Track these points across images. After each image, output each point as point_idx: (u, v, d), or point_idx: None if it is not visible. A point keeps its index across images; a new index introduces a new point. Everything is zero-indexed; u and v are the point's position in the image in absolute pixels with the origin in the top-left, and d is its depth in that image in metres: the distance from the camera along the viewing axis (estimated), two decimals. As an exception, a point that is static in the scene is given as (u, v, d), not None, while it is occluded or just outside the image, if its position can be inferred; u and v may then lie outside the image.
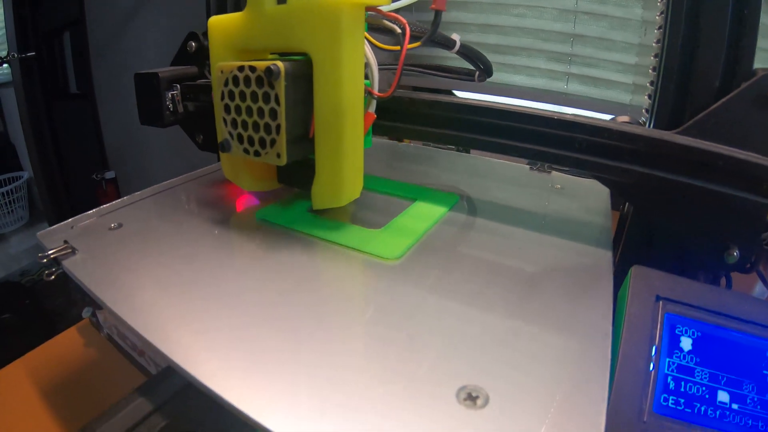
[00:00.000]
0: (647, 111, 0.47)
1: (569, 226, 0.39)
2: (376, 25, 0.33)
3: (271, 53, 0.37)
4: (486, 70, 0.47)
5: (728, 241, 0.35)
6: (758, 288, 0.67)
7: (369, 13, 0.32)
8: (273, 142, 0.32)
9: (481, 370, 0.23)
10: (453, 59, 0.89)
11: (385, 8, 0.33)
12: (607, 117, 0.84)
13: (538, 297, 0.30)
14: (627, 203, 0.48)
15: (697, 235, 0.36)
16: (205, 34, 0.59)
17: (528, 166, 0.55)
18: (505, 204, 0.44)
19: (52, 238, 0.36)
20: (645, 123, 0.47)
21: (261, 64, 0.30)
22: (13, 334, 1.32)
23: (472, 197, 0.45)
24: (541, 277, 0.32)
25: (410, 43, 0.34)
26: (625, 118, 0.44)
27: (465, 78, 0.50)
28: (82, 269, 0.32)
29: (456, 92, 0.98)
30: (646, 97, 0.48)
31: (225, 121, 0.34)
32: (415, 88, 1.00)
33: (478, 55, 0.45)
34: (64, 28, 1.50)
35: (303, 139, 0.33)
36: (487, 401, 0.21)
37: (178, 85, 0.55)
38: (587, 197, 0.46)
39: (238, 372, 0.23)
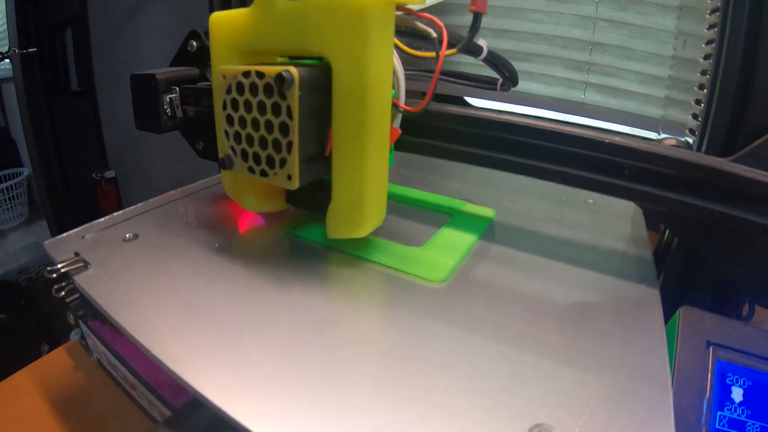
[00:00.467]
0: (691, 131, 0.43)
1: (608, 259, 0.35)
2: (404, 28, 0.28)
3: (281, 57, 0.33)
4: (512, 78, 0.43)
5: None
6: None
7: (399, 13, 0.27)
8: (283, 162, 0.27)
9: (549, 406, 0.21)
10: (467, 64, 0.85)
11: (415, 8, 0.28)
12: (625, 129, 0.80)
13: (589, 339, 0.25)
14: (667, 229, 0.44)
15: (746, 271, 0.33)
16: (208, 33, 0.55)
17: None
18: (538, 223, 0.40)
19: (62, 248, 0.33)
20: (690, 145, 0.43)
21: (270, 70, 0.25)
22: (7, 335, 1.27)
23: (504, 213, 0.41)
24: (589, 314, 0.27)
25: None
26: (671, 141, 0.40)
27: (486, 87, 0.45)
28: (96, 286, 0.28)
29: (468, 99, 0.93)
30: (690, 116, 0.44)
31: (227, 134, 0.30)
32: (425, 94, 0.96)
33: (505, 63, 0.40)
34: (66, 24, 1.47)
35: (318, 158, 0.28)
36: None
37: (177, 88, 0.51)
38: (622, 217, 0.42)
39: (274, 409, 0.20)
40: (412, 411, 0.20)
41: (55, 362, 0.45)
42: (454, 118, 0.32)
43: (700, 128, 0.40)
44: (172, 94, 0.50)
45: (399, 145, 0.33)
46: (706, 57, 0.41)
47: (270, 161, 0.28)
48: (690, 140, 0.43)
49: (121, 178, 1.53)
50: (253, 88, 0.27)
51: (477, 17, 0.27)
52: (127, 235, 0.35)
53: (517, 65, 0.87)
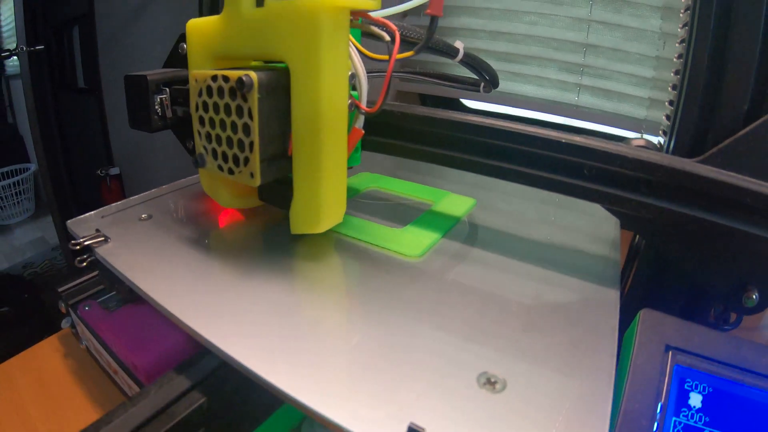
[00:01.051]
0: (664, 132, 0.43)
1: (574, 256, 0.36)
2: (368, 32, 0.30)
3: (255, 61, 0.34)
4: (492, 81, 0.44)
5: (748, 283, 0.31)
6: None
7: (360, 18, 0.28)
8: (246, 161, 0.28)
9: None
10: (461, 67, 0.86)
11: (378, 13, 0.30)
12: (620, 132, 0.80)
13: (541, 332, 0.27)
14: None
15: (714, 275, 0.33)
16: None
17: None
18: (514, 215, 0.43)
19: (83, 226, 0.37)
20: (661, 146, 0.43)
21: (233, 74, 0.27)
22: (10, 328, 1.30)
23: (483, 204, 0.44)
24: (543, 309, 0.29)
25: (406, 51, 0.30)
26: (640, 142, 0.40)
27: (470, 88, 0.47)
28: (116, 257, 0.33)
29: (464, 101, 0.94)
30: (663, 117, 0.44)
31: (200, 134, 0.31)
32: (422, 96, 0.96)
33: (483, 66, 0.41)
34: (73, 22, 1.49)
35: (281, 157, 0.29)
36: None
37: (168, 89, 0.52)
38: (595, 215, 0.43)
39: (272, 354, 0.23)
40: (384, 356, 0.24)
41: (47, 349, 0.47)
42: (418, 119, 0.33)
43: (669, 129, 0.40)
44: (162, 94, 0.52)
45: (367, 145, 0.35)
46: (679, 56, 0.40)
47: (235, 160, 0.29)
48: (661, 141, 0.43)
49: (126, 175, 1.55)
50: (220, 91, 0.28)
51: (433, 20, 0.28)
52: (143, 215, 0.39)
53: (512, 67, 0.88)
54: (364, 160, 0.36)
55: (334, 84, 0.27)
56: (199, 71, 0.30)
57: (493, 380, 0.22)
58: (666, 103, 0.44)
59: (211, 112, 0.29)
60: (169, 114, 0.54)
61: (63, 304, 0.41)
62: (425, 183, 0.48)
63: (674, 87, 0.41)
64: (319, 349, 0.24)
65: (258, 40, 0.29)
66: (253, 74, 0.26)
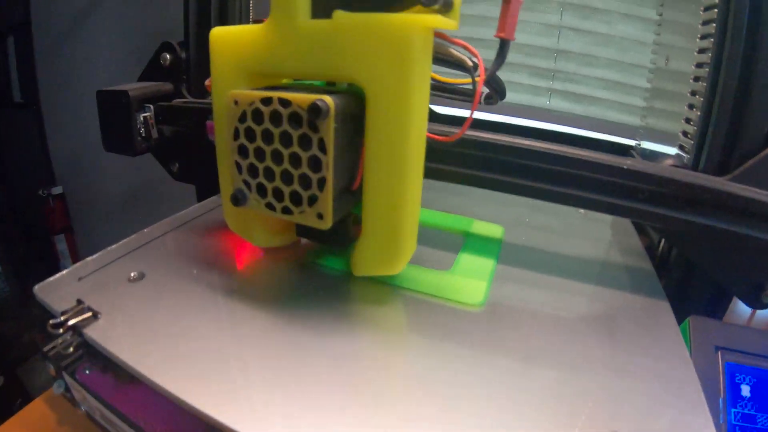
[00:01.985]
0: (681, 147, 0.45)
1: (613, 272, 0.36)
2: (440, 55, 0.26)
3: (289, 80, 0.29)
4: (499, 91, 0.41)
5: (766, 282, 0.35)
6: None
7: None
8: (313, 199, 0.24)
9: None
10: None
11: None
12: (588, 133, 0.82)
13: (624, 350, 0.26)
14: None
15: (738, 277, 0.36)
16: (182, 44, 0.50)
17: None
18: (541, 237, 0.41)
19: (58, 294, 0.28)
20: (688, 163, 0.43)
21: (299, 98, 0.22)
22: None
23: (509, 229, 0.41)
24: (616, 327, 0.28)
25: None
26: (670, 161, 0.42)
27: (463, 99, 0.44)
28: (114, 341, 0.24)
29: (434, 108, 0.92)
30: (680, 133, 0.45)
31: (239, 166, 0.26)
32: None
33: (494, 77, 0.39)
34: (8, 32, 1.36)
35: (346, 192, 0.25)
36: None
37: (152, 106, 0.46)
38: (612, 225, 0.45)
39: None
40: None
41: (35, 414, 0.40)
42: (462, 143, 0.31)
43: (694, 147, 0.41)
44: (146, 112, 0.46)
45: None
46: (697, 79, 0.42)
47: (295, 198, 0.24)
48: (684, 157, 0.44)
49: (70, 194, 1.44)
50: (275, 116, 0.24)
51: (505, 44, 0.25)
52: (132, 275, 0.30)
53: None
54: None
55: (421, 112, 0.23)
56: (240, 91, 0.25)
57: None
58: (683, 121, 0.45)
59: (259, 141, 0.25)
60: (154, 134, 0.48)
61: (52, 367, 0.34)
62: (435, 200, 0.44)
63: (690, 106, 0.43)
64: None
65: (318, 57, 0.24)
66: (329, 99, 0.21)
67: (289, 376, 0.22)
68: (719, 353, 0.32)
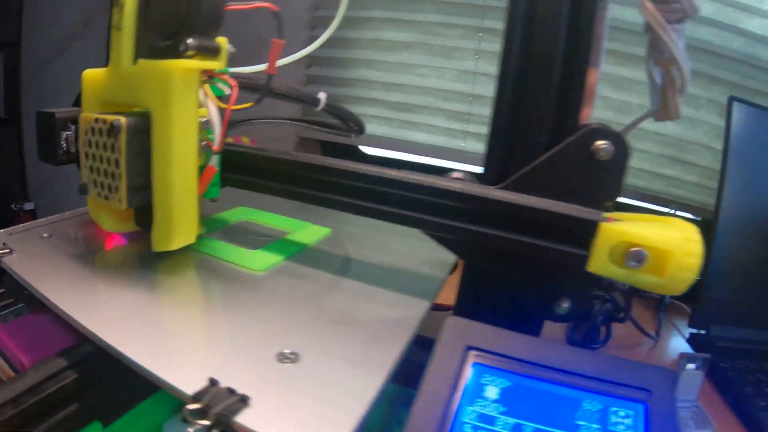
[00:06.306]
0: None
1: (403, 277, 0.47)
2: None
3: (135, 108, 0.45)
4: (357, 127, 0.55)
5: (558, 293, 0.40)
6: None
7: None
8: (116, 189, 0.38)
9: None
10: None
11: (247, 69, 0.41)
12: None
13: (346, 327, 0.37)
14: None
15: (527, 287, 0.41)
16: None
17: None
18: (361, 242, 0.54)
19: None
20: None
21: (108, 118, 0.37)
22: None
23: (337, 233, 0.55)
24: (356, 312, 0.39)
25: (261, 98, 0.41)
26: (459, 175, 0.49)
27: (343, 133, 0.58)
28: (20, 266, 0.41)
29: (363, 148, 1.09)
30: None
31: (86, 166, 0.41)
32: (323, 143, 1.10)
33: (347, 114, 0.53)
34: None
35: (146, 188, 0.39)
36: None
37: (74, 126, 0.62)
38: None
39: (143, 337, 0.33)
40: (212, 337, 0.34)
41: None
42: (262, 158, 0.44)
43: (484, 161, 0.46)
44: (68, 131, 0.61)
45: (228, 182, 0.45)
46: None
47: (110, 188, 0.39)
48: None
49: (40, 210, 1.59)
50: (100, 131, 0.38)
51: (270, 77, 0.40)
52: (45, 234, 0.48)
53: (405, 116, 1.03)
54: (263, 199, 0.48)
55: (184, 129, 0.38)
56: (86, 114, 0.40)
57: (289, 353, 0.32)
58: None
59: (93, 148, 0.39)
60: (73, 149, 0.63)
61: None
62: (308, 219, 0.58)
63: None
64: (167, 330, 0.34)
65: (132, 91, 0.39)
66: (122, 119, 0.36)
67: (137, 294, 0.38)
68: (470, 353, 0.34)
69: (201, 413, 0.25)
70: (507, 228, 0.37)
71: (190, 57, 0.37)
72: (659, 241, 0.32)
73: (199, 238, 0.44)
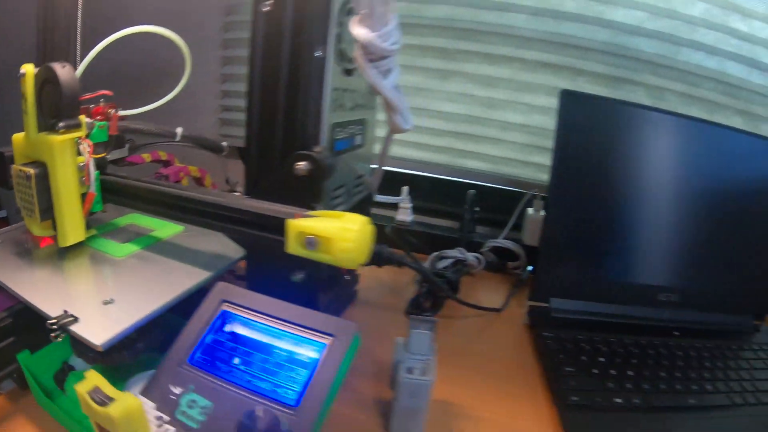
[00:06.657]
0: None
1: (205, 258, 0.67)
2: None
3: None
4: (218, 148, 0.80)
5: (296, 267, 0.63)
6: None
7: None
8: (33, 210, 0.63)
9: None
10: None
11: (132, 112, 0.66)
12: None
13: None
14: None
15: (277, 263, 0.62)
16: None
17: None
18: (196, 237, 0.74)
19: None
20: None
21: (24, 169, 0.62)
22: None
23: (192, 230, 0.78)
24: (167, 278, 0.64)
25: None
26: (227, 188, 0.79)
27: (212, 151, 0.83)
28: None
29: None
30: None
31: (17, 196, 0.66)
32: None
33: (202, 140, 0.78)
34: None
35: (51, 209, 0.64)
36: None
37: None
38: None
39: (44, 294, 0.55)
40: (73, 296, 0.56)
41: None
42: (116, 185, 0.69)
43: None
44: (16, 164, 0.87)
45: (108, 200, 0.70)
46: None
47: (30, 210, 0.64)
48: None
49: (12, 218, 1.77)
50: (21, 176, 0.64)
51: (116, 138, 0.65)
52: None
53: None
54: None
55: (66, 174, 0.62)
56: (15, 165, 0.65)
57: (109, 299, 0.52)
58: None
59: (20, 186, 0.65)
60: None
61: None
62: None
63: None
64: (58, 289, 0.58)
65: (36, 151, 0.64)
66: (32, 170, 0.62)
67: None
68: (223, 304, 0.51)
69: (54, 325, 0.50)
70: (243, 224, 0.55)
71: (63, 132, 0.62)
72: (323, 230, 0.46)
73: (92, 236, 0.70)
